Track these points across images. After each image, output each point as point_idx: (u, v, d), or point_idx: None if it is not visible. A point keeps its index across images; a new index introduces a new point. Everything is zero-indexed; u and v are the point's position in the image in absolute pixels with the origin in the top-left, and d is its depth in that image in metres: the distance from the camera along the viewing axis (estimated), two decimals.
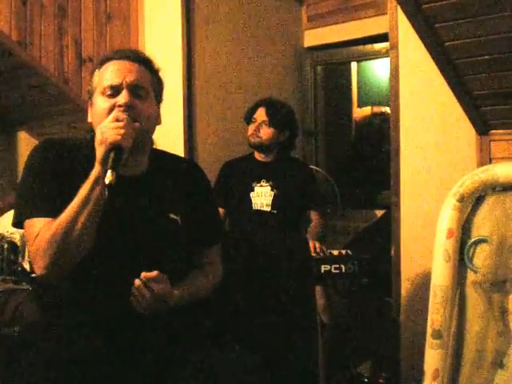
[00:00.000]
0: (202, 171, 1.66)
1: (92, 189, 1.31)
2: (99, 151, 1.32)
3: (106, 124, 1.34)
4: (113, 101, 1.40)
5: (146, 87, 1.45)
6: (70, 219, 1.30)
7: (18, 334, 1.37)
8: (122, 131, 1.32)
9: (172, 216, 1.49)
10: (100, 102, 1.42)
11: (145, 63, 1.47)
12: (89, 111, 1.49)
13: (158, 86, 1.51)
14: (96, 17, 3.06)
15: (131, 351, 1.39)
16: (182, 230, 1.51)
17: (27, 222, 1.39)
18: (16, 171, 3.52)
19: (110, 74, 1.43)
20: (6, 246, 2.53)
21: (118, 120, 1.34)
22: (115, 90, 1.41)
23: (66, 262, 1.33)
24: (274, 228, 2.67)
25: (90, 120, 1.48)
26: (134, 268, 1.41)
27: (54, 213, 1.34)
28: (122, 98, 1.39)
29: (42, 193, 1.39)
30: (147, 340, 1.41)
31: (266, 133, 2.75)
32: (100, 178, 1.31)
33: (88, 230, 1.32)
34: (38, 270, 1.33)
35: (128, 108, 1.38)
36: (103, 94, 1.42)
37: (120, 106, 1.38)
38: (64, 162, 1.44)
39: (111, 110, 1.39)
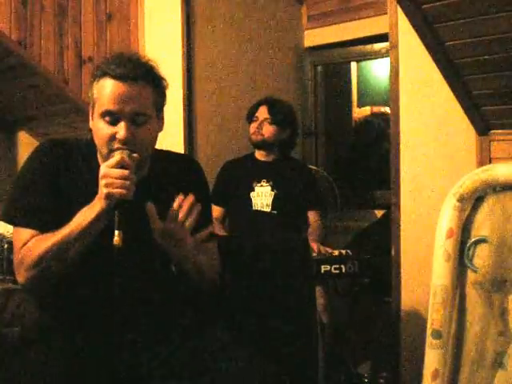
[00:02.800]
0: (199, 168, 1.65)
1: (91, 224, 1.32)
2: (103, 204, 1.30)
3: (110, 172, 1.31)
4: (112, 129, 1.37)
5: (146, 112, 1.40)
6: (63, 246, 1.32)
7: (17, 334, 1.37)
8: (128, 183, 1.30)
9: None
10: (100, 125, 1.39)
11: (145, 78, 1.40)
12: (90, 118, 1.46)
13: (161, 98, 1.46)
14: (96, 17, 3.06)
15: (130, 351, 1.40)
16: None
17: (16, 229, 1.42)
18: (16, 171, 3.51)
19: (108, 98, 1.36)
20: (5, 246, 2.52)
21: (123, 166, 1.32)
22: (114, 118, 1.37)
23: (49, 279, 1.37)
24: (274, 228, 2.67)
25: (90, 127, 1.45)
26: (134, 271, 1.42)
27: (43, 226, 1.37)
28: (121, 132, 1.36)
29: (34, 203, 1.40)
30: (146, 340, 1.42)
31: (269, 130, 2.76)
32: (100, 215, 1.31)
33: (77, 255, 1.34)
34: (20, 280, 1.40)
35: (126, 142, 1.36)
36: (102, 117, 1.38)
37: (119, 139, 1.36)
38: (63, 166, 1.45)
39: (111, 137, 1.37)
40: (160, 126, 1.49)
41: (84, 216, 1.33)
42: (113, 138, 1.37)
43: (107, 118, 1.37)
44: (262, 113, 2.78)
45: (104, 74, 1.39)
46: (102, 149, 1.41)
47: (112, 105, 1.36)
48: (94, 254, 1.40)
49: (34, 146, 1.50)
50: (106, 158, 1.38)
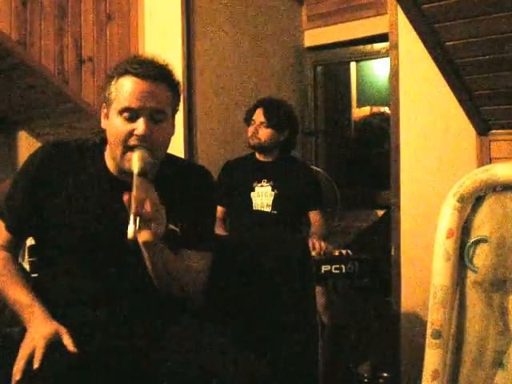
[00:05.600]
0: (210, 182, 1.62)
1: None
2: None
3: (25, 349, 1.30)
4: (130, 126, 1.38)
5: (164, 110, 1.42)
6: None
7: (18, 334, 1.37)
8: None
9: (171, 227, 1.47)
10: (117, 123, 1.40)
11: (165, 79, 1.42)
12: (102, 117, 1.47)
13: (176, 101, 1.48)
14: (96, 17, 3.06)
15: (131, 347, 1.40)
16: (180, 240, 1.49)
17: None
18: (16, 171, 3.51)
19: (128, 95, 1.38)
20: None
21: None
22: (132, 114, 1.38)
23: None
24: (274, 228, 2.66)
25: (103, 126, 1.46)
26: (131, 276, 1.43)
27: (13, 226, 1.50)
28: (140, 127, 1.37)
29: (17, 206, 1.49)
30: (147, 336, 1.42)
31: (265, 134, 2.74)
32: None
33: None
34: None
35: (145, 138, 1.37)
36: (120, 114, 1.39)
37: (137, 135, 1.37)
38: (60, 168, 1.46)
39: (128, 134, 1.38)
40: (173, 130, 1.50)
41: (23, 311, 1.38)
42: (130, 134, 1.38)
43: (126, 115, 1.38)
44: (259, 116, 2.76)
45: (125, 73, 1.40)
46: (116, 147, 1.40)
47: (133, 101, 1.38)
48: (97, 254, 1.43)
49: (34, 146, 1.52)
50: (121, 156, 1.39)
